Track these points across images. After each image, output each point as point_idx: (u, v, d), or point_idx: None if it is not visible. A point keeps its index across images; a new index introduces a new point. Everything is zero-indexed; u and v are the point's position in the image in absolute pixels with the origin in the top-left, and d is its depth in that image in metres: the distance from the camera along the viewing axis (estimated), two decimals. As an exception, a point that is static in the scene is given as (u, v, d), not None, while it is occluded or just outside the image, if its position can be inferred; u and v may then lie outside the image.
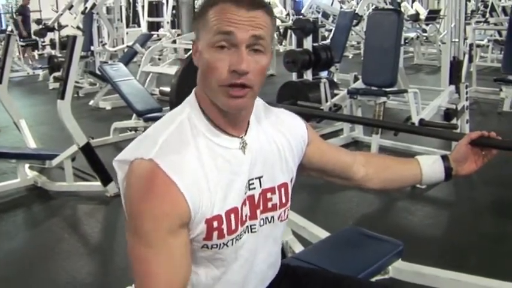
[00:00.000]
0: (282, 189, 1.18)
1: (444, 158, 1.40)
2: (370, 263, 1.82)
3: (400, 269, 2.14)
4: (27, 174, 3.93)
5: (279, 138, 1.19)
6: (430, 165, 1.40)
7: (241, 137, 1.11)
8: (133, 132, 5.11)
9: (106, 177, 3.59)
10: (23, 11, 11.42)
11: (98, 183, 3.64)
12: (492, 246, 2.91)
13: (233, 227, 1.07)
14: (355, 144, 4.93)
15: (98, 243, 3.13)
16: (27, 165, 4.01)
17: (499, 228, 3.17)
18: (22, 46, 10.70)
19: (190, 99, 1.11)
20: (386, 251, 1.90)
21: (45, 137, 5.26)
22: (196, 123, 1.07)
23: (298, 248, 2.36)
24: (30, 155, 4.09)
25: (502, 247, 2.88)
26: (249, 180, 1.11)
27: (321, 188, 3.84)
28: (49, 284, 2.61)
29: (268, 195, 1.16)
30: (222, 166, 1.06)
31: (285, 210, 1.19)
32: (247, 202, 1.11)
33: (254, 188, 1.13)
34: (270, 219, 1.17)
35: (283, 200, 1.18)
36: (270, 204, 1.16)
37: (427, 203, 3.61)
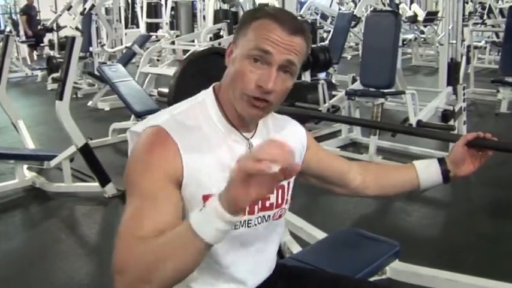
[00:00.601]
0: (280, 190, 1.22)
1: (441, 160, 1.41)
2: (368, 263, 1.83)
3: (397, 269, 2.15)
4: (25, 175, 3.93)
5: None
6: (426, 168, 1.41)
7: (248, 139, 1.17)
8: (131, 133, 5.10)
9: (104, 178, 3.59)
10: (27, 11, 11.34)
11: (96, 184, 3.64)
12: (489, 246, 2.92)
13: None
14: (353, 146, 4.94)
15: (95, 244, 3.13)
16: (25, 166, 4.00)
17: (495, 228, 3.18)
18: (29, 46, 10.60)
19: (207, 92, 1.18)
20: (383, 252, 1.91)
21: (44, 137, 5.27)
22: (210, 112, 1.14)
23: (296, 248, 2.37)
24: (29, 155, 4.10)
25: (498, 247, 2.89)
26: None
27: (319, 189, 3.84)
28: (47, 284, 2.61)
29: None
30: (225, 153, 1.12)
31: (280, 210, 1.23)
32: None
33: None
34: (266, 218, 1.21)
35: (279, 201, 1.22)
36: (267, 203, 1.20)
37: (424, 203, 3.62)
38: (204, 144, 1.09)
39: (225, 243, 1.13)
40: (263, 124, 1.21)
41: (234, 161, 1.10)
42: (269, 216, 1.21)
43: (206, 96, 1.17)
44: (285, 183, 1.23)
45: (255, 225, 1.18)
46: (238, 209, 0.89)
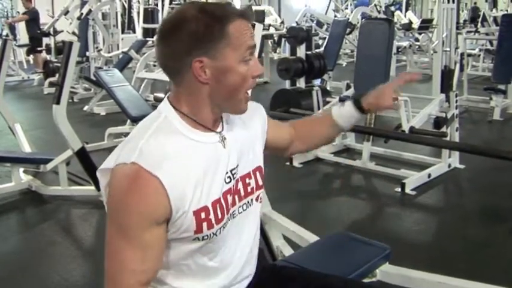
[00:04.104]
0: (257, 172, 1.28)
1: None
2: (358, 265, 1.86)
3: (387, 272, 2.18)
4: (21, 178, 3.94)
5: (249, 125, 1.30)
6: (339, 107, 1.55)
7: (220, 132, 1.20)
8: (127, 137, 5.12)
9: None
10: (27, 13, 10.99)
11: (92, 187, 3.66)
12: (480, 250, 2.96)
13: (219, 215, 1.15)
14: (346, 152, 4.98)
15: (90, 246, 3.15)
16: (21, 169, 4.02)
17: (486, 233, 3.21)
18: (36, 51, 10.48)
19: (164, 107, 1.17)
20: (373, 254, 1.95)
21: (40, 141, 5.28)
22: (175, 124, 1.14)
23: (288, 251, 2.40)
24: (25, 159, 4.12)
25: (489, 252, 2.93)
26: (231, 170, 1.20)
27: (312, 194, 3.89)
28: (42, 286, 2.63)
29: (247, 180, 1.25)
30: (203, 160, 1.14)
31: (259, 192, 1.29)
32: (231, 190, 1.20)
33: (235, 178, 1.21)
34: (250, 202, 1.26)
35: (260, 183, 1.28)
36: (249, 189, 1.25)
37: (416, 209, 3.66)
38: (182, 165, 1.10)
39: (220, 243, 1.18)
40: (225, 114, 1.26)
41: (212, 163, 1.15)
42: (252, 199, 1.26)
43: (166, 111, 1.16)
44: (261, 163, 1.30)
45: (239, 213, 1.23)
46: None
